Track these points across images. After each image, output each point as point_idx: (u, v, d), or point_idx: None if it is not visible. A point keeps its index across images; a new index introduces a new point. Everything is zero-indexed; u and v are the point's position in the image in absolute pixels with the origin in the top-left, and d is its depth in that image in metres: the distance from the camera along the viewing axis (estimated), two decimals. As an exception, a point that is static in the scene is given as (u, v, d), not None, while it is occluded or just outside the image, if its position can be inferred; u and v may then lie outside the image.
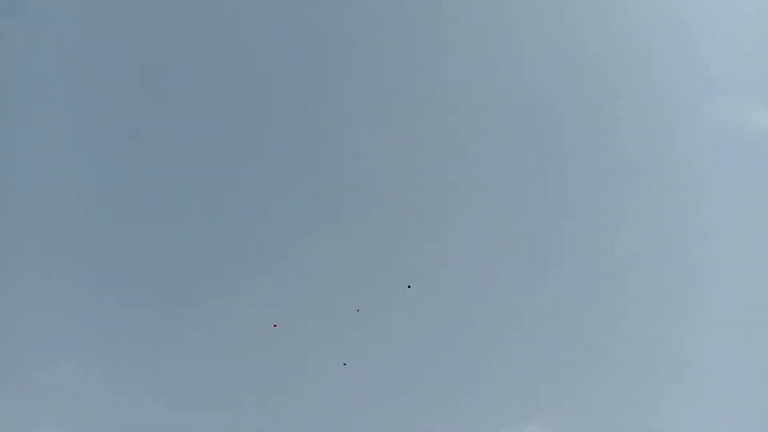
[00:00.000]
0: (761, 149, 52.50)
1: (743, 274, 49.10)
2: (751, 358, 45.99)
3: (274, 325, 44.54)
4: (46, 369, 44.84)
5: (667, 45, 55.61)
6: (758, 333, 46.83)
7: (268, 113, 56.48)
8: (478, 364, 50.11)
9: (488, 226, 54.17)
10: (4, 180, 49.56)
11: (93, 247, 49.95)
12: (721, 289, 48.11)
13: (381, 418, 46.92)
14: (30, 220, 50.01)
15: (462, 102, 57.26)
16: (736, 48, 53.62)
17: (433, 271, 51.81)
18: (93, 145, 52.89)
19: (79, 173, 51.79)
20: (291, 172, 54.69)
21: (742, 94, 54.02)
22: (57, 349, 45.79)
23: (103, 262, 49.86)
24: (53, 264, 48.79)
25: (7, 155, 50.45)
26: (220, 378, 46.83)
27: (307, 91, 57.39)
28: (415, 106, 57.26)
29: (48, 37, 54.42)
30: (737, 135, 53.35)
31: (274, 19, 58.17)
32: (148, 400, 44.36)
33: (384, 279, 50.44)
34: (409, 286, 44.67)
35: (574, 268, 52.13)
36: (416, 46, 58.86)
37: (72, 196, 51.13)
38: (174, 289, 49.99)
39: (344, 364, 44.36)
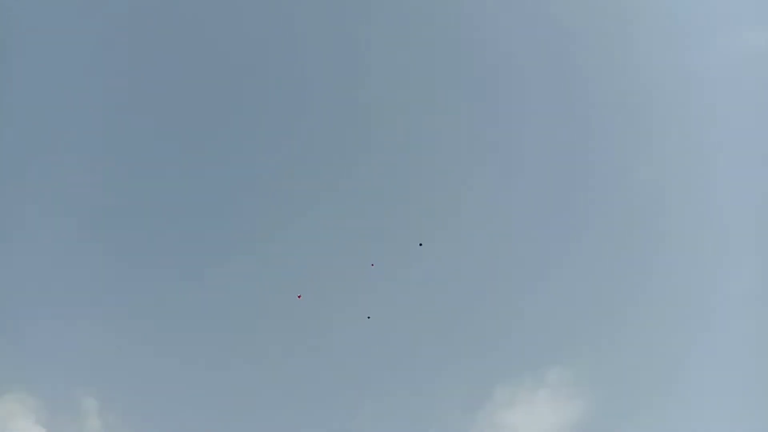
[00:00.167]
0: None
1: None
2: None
3: (298, 296, 45.33)
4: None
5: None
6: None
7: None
8: (504, 311, 49.98)
9: (513, 161, 54.27)
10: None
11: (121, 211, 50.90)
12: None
13: (410, 362, 46.61)
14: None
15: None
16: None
17: (455, 216, 51.82)
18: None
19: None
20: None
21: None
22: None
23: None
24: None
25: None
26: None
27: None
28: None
29: (48, 37, 54.01)
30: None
31: (274, 18, 58.69)
32: (187, 361, 49.08)
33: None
34: (420, 244, 46.26)
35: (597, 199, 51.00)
36: (417, 46, 59.76)
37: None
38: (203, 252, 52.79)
39: (368, 317, 47.40)
